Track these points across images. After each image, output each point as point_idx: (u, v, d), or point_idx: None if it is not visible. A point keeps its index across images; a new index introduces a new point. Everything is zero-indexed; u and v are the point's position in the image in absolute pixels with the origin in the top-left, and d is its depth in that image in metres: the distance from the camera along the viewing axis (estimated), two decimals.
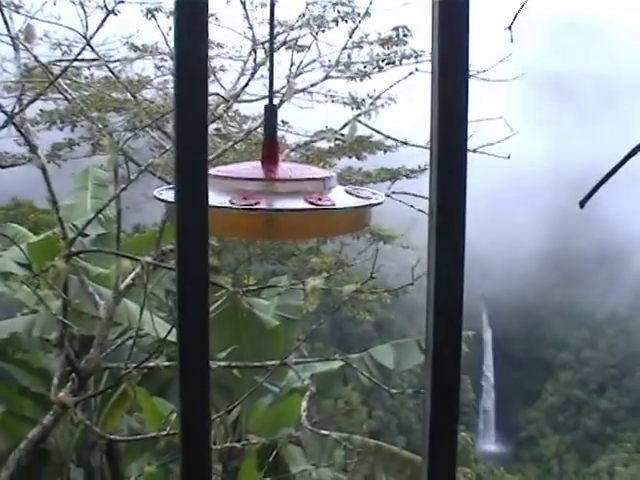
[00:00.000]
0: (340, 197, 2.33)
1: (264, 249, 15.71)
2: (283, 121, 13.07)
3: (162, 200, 2.32)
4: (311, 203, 2.19)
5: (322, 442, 11.47)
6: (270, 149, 2.44)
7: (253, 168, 2.43)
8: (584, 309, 70.71)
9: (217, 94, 12.07)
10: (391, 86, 11.47)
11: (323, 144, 13.48)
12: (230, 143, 11.79)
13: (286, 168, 2.44)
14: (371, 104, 11.53)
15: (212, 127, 12.56)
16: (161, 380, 10.76)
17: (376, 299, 13.99)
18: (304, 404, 9.82)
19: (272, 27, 3.09)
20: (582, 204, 2.77)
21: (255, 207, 2.17)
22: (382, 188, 13.41)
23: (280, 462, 11.18)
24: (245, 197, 2.19)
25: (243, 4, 11.32)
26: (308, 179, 2.33)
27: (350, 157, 13.70)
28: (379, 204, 2.37)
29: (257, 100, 13.09)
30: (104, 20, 10.08)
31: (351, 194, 2.39)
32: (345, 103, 13.24)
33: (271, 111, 2.55)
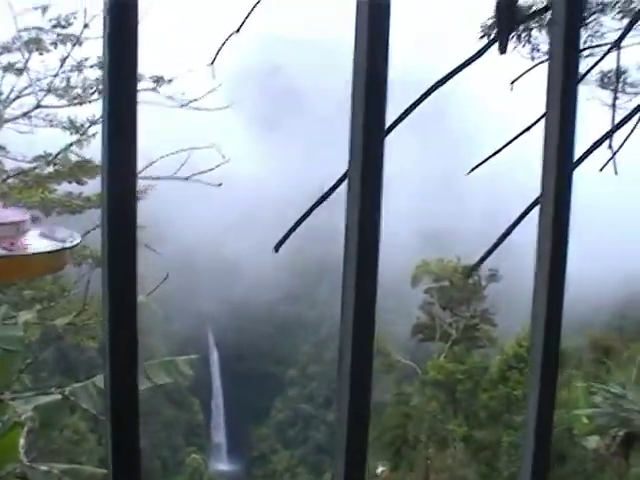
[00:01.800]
0: (34, 241, 2.38)
1: None
2: (0, 146, 12.74)
3: None
4: (4, 249, 2.23)
5: (48, 476, 11.19)
6: None
7: None
8: (309, 324, 72.70)
9: None
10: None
11: (42, 169, 13.20)
12: None
13: None
14: (82, 133, 11.46)
15: None
16: None
17: (98, 324, 13.84)
18: (22, 440, 9.57)
19: None
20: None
21: None
22: None
23: None
24: None
25: None
26: (1, 224, 2.37)
27: (70, 182, 13.52)
28: (74, 247, 2.45)
29: None
30: None
31: (46, 237, 2.45)
32: (64, 127, 13.07)
33: None
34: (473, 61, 5.08)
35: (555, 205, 1.37)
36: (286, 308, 74.10)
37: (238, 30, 4.18)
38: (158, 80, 14.14)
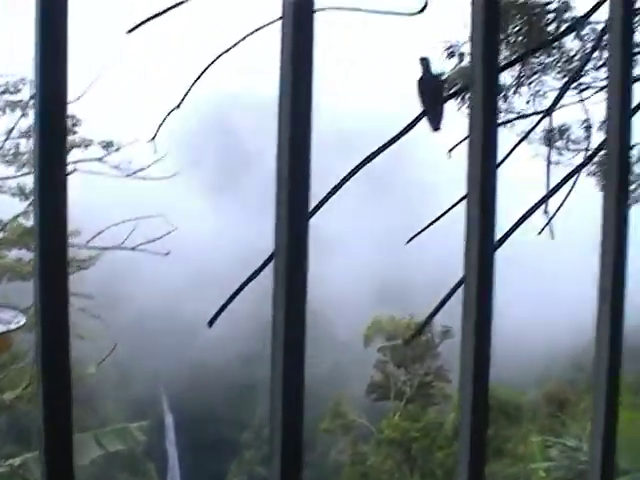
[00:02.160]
0: None
1: None
2: None
3: None
4: None
5: None
6: None
7: None
8: (263, 386, 72.21)
9: None
10: (69, 173, 11.45)
11: None
12: None
13: None
14: (29, 205, 11.44)
15: None
16: None
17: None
18: None
19: None
20: (210, 324, 2.98)
21: None
22: None
23: None
24: None
25: None
26: None
27: (20, 249, 13.45)
28: (18, 328, 2.46)
29: None
30: None
31: None
32: (13, 194, 13.05)
33: None
34: (408, 131, 5.15)
35: (478, 284, 1.40)
36: (240, 370, 73.62)
37: (179, 106, 4.25)
38: (107, 146, 14.18)
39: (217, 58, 3.93)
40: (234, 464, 71.02)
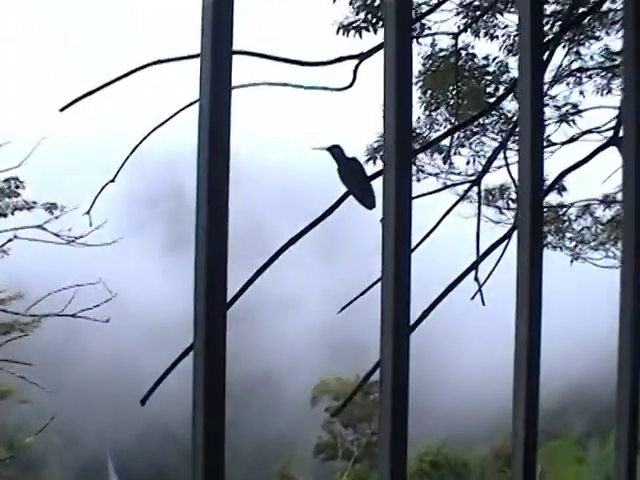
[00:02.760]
0: None
1: None
2: None
3: None
4: None
5: None
6: None
7: None
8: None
9: None
10: (9, 240, 11.43)
11: None
12: None
13: None
14: None
15: None
16: None
17: None
18: None
19: None
20: (143, 402, 2.98)
21: None
22: None
23: None
24: None
25: None
26: None
27: None
28: None
29: None
30: None
31: None
32: None
33: None
34: (335, 209, 5.19)
35: (393, 370, 1.43)
36: (189, 432, 72.51)
37: (113, 180, 4.31)
38: (50, 208, 14.08)
39: (152, 131, 4.00)
40: None
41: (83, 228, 11.06)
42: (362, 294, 5.51)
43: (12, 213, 12.85)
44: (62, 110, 3.33)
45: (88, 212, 4.31)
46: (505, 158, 9.41)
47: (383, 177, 1.35)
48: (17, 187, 13.27)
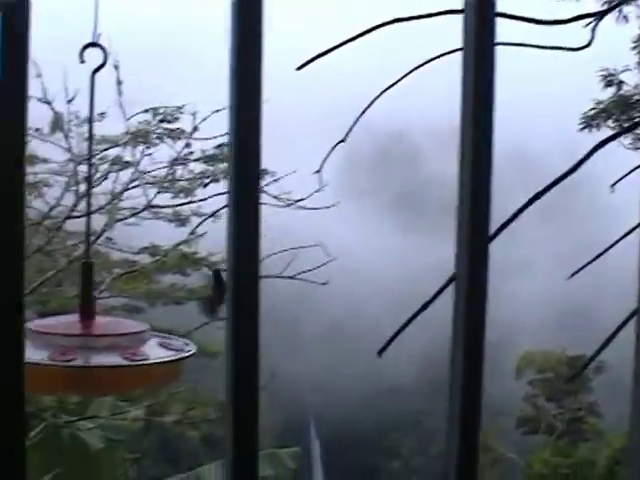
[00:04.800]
0: (154, 351, 2.39)
1: None
2: (108, 238, 13.01)
3: None
4: (126, 358, 2.25)
5: None
6: (86, 304, 2.51)
7: (71, 322, 2.48)
8: (413, 417, 71.62)
9: None
10: (221, 208, 11.57)
11: (148, 260, 13.45)
12: (51, 273, 11.60)
13: (102, 323, 2.51)
14: (191, 233, 11.63)
15: (35, 243, 12.38)
16: None
17: (202, 416, 13.89)
18: None
19: (90, 169, 3.15)
20: (380, 353, 2.92)
21: (71, 364, 2.21)
22: None
23: None
24: (63, 352, 2.24)
25: (60, 126, 11.27)
26: (122, 334, 2.40)
27: (174, 274, 13.72)
28: (190, 356, 2.46)
29: (81, 216, 13.00)
30: None
31: (164, 347, 2.47)
32: (170, 220, 13.31)
33: (87, 268, 2.62)
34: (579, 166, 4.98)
35: None
36: (390, 400, 73.03)
37: (344, 140, 4.21)
38: (265, 172, 14.29)
39: (383, 92, 3.86)
40: None
41: (302, 192, 11.11)
42: (593, 260, 5.24)
43: (225, 178, 13.06)
44: (299, 69, 3.27)
45: (318, 171, 4.28)
46: None
47: None
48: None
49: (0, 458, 1.30)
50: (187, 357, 2.48)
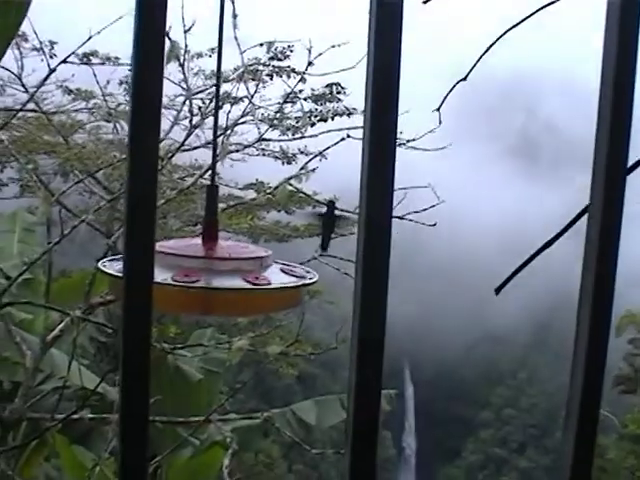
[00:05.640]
0: (276, 276, 2.40)
1: None
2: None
3: (108, 274, 2.32)
4: (248, 282, 2.27)
5: None
6: (210, 228, 2.53)
7: (194, 245, 2.51)
8: (506, 367, 71.34)
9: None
10: (329, 147, 11.52)
11: (253, 196, 13.53)
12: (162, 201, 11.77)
13: (225, 246, 2.52)
14: (301, 169, 11.61)
15: None
16: (81, 429, 10.60)
17: (303, 358, 14.08)
18: (226, 461, 9.67)
19: (217, 98, 3.17)
20: (497, 291, 2.86)
21: (195, 285, 2.24)
22: (309, 243, 13.52)
23: None
24: (186, 274, 2.26)
25: (176, 56, 11.33)
26: (246, 258, 2.42)
27: (279, 211, 13.80)
28: (312, 284, 2.46)
29: (192, 149, 13.15)
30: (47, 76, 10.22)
31: (286, 273, 2.48)
32: (276, 157, 13.37)
33: (212, 191, 2.63)
34: None
35: None
36: (484, 350, 72.77)
37: (465, 78, 4.10)
38: None
39: (507, 32, 3.76)
40: (470, 442, 70.63)
41: (412, 132, 10.96)
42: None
43: (332, 118, 13.01)
44: (425, 2, 3.19)
45: (438, 109, 4.18)
46: None
47: None
48: (338, 92, 13.45)
49: (129, 370, 1.33)
50: (310, 284, 2.48)
